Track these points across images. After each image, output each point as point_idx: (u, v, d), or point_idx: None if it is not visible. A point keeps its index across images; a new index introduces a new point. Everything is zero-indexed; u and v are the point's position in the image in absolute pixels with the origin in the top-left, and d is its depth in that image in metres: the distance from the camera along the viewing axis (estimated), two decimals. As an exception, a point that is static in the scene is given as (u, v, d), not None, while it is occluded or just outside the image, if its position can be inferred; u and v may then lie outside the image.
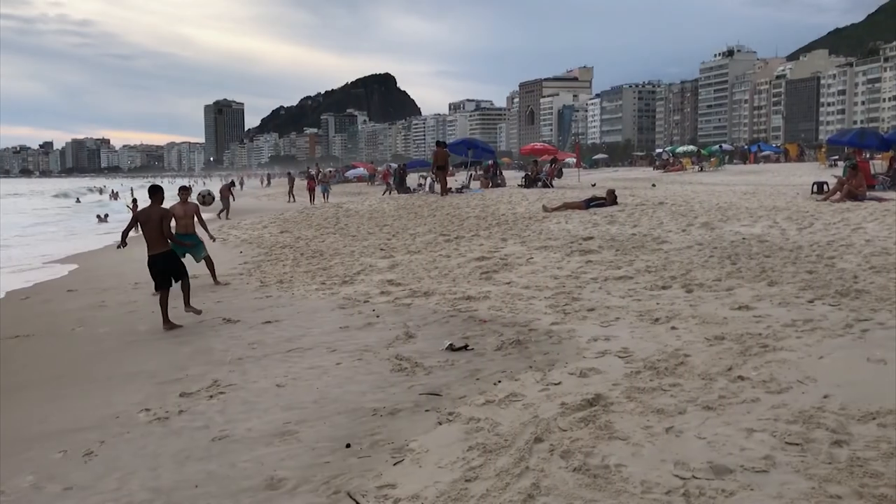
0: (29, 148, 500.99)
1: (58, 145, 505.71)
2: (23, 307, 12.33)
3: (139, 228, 9.94)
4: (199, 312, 9.84)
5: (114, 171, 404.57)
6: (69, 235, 29.97)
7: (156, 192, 9.91)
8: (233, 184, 35.98)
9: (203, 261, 12.77)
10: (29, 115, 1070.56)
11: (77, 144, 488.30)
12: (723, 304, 8.03)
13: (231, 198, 32.36)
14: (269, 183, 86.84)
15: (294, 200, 40.02)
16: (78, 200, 65.29)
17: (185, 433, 5.51)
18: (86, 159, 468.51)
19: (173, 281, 9.80)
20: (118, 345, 8.94)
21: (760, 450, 4.06)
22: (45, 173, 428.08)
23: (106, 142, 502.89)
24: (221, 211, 30.39)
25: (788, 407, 4.68)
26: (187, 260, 11.76)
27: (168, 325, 9.49)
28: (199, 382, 6.77)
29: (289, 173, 53.22)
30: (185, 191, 13.44)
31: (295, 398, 6.03)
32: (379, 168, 70.81)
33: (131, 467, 4.93)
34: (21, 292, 13.91)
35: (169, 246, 9.77)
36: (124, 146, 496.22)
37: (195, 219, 12.87)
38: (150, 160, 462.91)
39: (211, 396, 6.32)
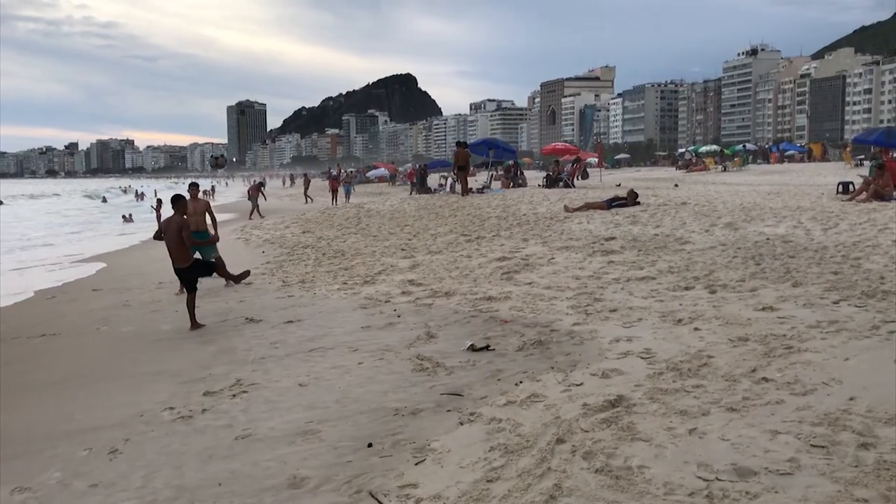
0: (55, 149, 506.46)
1: (83, 146, 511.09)
2: (49, 306, 12.50)
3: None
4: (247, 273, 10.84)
5: (138, 171, 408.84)
6: (95, 235, 30.33)
7: (177, 202, 9.89)
8: (262, 184, 36.20)
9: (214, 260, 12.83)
10: (54, 116, 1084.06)
11: (102, 145, 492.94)
12: (746, 304, 7.96)
13: (263, 197, 32.53)
14: (292, 183, 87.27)
15: (312, 201, 39.99)
16: (104, 200, 65.96)
17: (208, 432, 5.56)
18: (110, 160, 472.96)
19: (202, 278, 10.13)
20: (142, 344, 9.03)
21: (785, 452, 4.01)
22: (71, 174, 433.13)
23: (130, 142, 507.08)
24: (252, 211, 30.66)
25: (813, 409, 4.63)
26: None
27: (195, 325, 9.54)
28: (223, 381, 6.83)
29: (304, 175, 53.09)
30: (194, 187, 13.45)
31: (317, 397, 6.07)
32: (400, 168, 70.96)
33: (156, 465, 4.98)
34: (48, 291, 14.12)
35: (191, 260, 9.83)
36: (148, 147, 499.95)
37: (206, 216, 12.84)
38: (174, 161, 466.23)
39: (234, 395, 6.37)
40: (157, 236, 10.46)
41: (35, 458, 5.53)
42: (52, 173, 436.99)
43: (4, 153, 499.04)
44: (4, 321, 11.40)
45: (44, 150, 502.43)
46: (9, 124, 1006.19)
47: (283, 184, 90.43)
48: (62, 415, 6.63)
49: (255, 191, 32.45)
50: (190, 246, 9.96)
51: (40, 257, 22.19)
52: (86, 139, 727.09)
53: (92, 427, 6.07)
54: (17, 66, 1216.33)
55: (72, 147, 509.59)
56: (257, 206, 31.14)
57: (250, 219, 29.21)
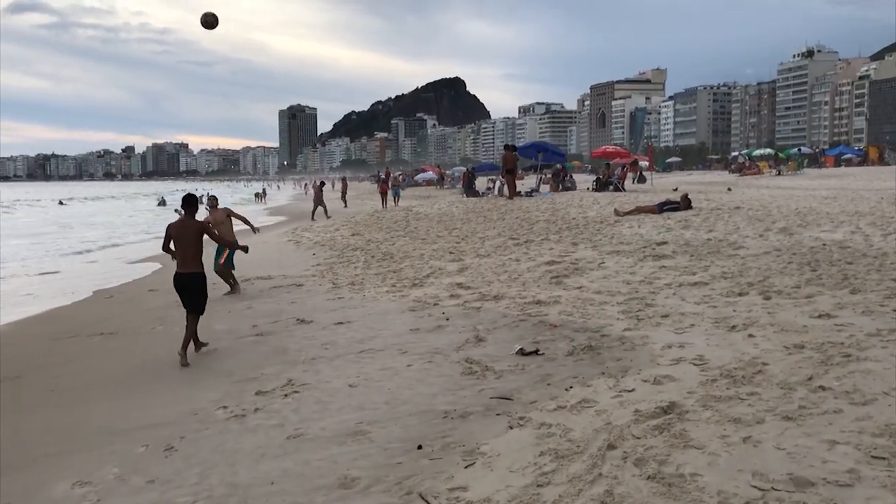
0: (112, 152, 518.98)
1: (139, 149, 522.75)
2: (107, 305, 12.82)
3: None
4: (186, 363, 8.17)
5: (192, 174, 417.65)
6: (152, 237, 30.97)
7: (190, 205, 8.72)
8: (323, 183, 36.68)
9: (224, 270, 12.41)
10: (112, 120, 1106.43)
11: (157, 149, 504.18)
12: (802, 311, 7.79)
13: (322, 197, 33.04)
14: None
15: (346, 206, 39.73)
16: (163, 202, 67.33)
17: (260, 431, 5.64)
18: (165, 163, 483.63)
19: (187, 310, 8.49)
20: (196, 343, 9.19)
21: (844, 463, 3.92)
22: (127, 176, 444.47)
23: (185, 146, 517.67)
24: (315, 210, 31.20)
25: (874, 419, 4.51)
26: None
27: (195, 348, 8.45)
28: (275, 381, 6.93)
29: (342, 178, 52.95)
30: (213, 200, 13.35)
31: (367, 398, 6.12)
32: (448, 172, 71.10)
33: (210, 463, 5.08)
34: (106, 291, 14.48)
35: (202, 268, 8.61)
36: (202, 150, 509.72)
37: (230, 224, 12.63)
38: (227, 164, 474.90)
39: (286, 395, 6.46)
40: (167, 246, 8.72)
41: (94, 453, 5.68)
42: (109, 176, 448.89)
43: (65, 156, 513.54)
44: (64, 320, 11.73)
45: (101, 153, 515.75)
46: (69, 128, 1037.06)
47: (332, 186, 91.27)
48: (119, 411, 6.79)
49: (320, 191, 33.06)
50: (220, 247, 9.33)
51: (99, 257, 22.81)
52: (142, 143, 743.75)
53: (148, 424, 6.22)
54: (78, 71, 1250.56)
55: (128, 150, 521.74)
56: (324, 206, 31.73)
57: (327, 216, 30.08)
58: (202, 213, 11.06)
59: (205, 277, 8.65)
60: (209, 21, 10.74)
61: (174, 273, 8.61)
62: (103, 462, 5.37)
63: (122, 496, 4.73)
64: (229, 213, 12.88)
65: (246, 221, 13.40)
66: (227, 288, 12.55)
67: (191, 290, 8.47)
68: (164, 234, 8.71)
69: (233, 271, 12.60)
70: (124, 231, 35.12)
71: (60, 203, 75.47)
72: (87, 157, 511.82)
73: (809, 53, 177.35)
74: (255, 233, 14.32)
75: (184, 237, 8.48)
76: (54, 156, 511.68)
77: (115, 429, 6.25)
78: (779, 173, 49.40)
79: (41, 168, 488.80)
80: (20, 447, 6.12)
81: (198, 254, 8.53)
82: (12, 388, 7.96)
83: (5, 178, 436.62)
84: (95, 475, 5.10)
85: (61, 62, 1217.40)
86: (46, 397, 7.56)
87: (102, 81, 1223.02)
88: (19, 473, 5.51)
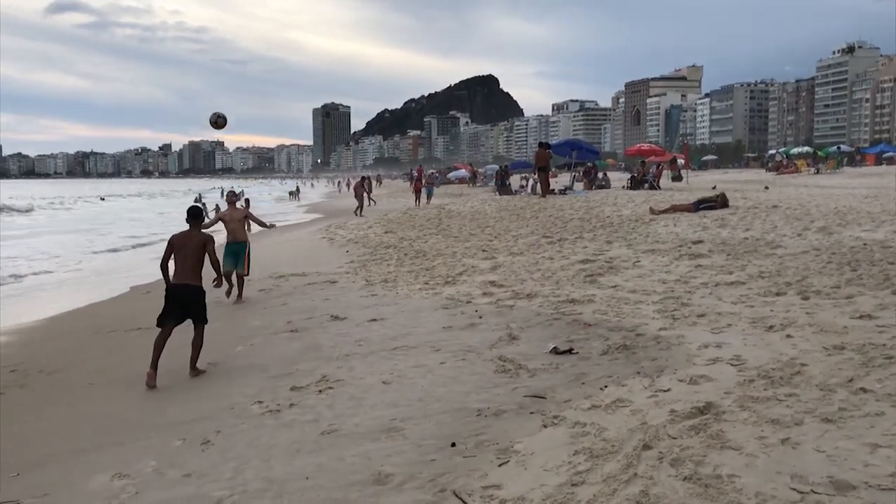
0: (149, 150, 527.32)
1: (176, 147, 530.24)
2: (145, 301, 12.97)
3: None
4: (201, 372, 7.95)
5: (227, 172, 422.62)
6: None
7: (195, 217, 8.41)
8: (363, 179, 36.75)
9: (236, 274, 12.01)
10: (149, 118, 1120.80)
11: (193, 146, 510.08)
12: (842, 312, 7.64)
13: (365, 195, 32.96)
14: (379, 184, 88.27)
15: (374, 203, 39.47)
16: (199, 199, 68.13)
17: (295, 426, 5.68)
18: (201, 160, 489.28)
19: (186, 318, 8.04)
20: (231, 339, 9.29)
21: (887, 467, 3.83)
22: (164, 174, 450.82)
23: (220, 144, 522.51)
24: (357, 209, 31.29)
25: (917, 423, 4.41)
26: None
27: (152, 373, 7.60)
28: (309, 377, 6.97)
29: (367, 177, 52.15)
30: (231, 195, 13.19)
31: (400, 395, 6.13)
32: (481, 169, 71.05)
33: (245, 457, 5.12)
34: (143, 287, 14.70)
35: (200, 282, 8.16)
36: (237, 148, 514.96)
37: (245, 223, 12.50)
38: (261, 162, 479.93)
39: (320, 391, 6.50)
40: (166, 263, 8.15)
41: (132, 447, 5.77)
42: (146, 173, 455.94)
43: (103, 154, 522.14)
44: (102, 315, 11.94)
45: (139, 151, 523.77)
46: (107, 126, 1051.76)
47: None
48: (157, 405, 6.90)
49: (361, 187, 33.15)
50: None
51: (137, 253, 23.18)
52: (178, 141, 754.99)
53: (185, 419, 6.31)
54: (117, 70, 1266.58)
55: (165, 148, 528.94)
56: (363, 203, 31.79)
57: (362, 215, 30.03)
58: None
59: (203, 292, 8.19)
60: (218, 123, 11.85)
61: (169, 284, 8.05)
62: (141, 455, 5.45)
63: (160, 489, 4.80)
64: (247, 215, 12.80)
65: (261, 223, 13.21)
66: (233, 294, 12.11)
67: (188, 302, 7.98)
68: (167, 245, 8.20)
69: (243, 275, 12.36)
70: (162, 227, 35.60)
71: (101, 199, 77.02)
72: (125, 154, 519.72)
73: (850, 50, 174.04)
74: (270, 228, 14.14)
75: (186, 248, 8.06)
76: (93, 153, 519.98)
77: (153, 423, 6.35)
78: (817, 172, 48.61)
79: (80, 165, 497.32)
80: (59, 440, 6.25)
81: (198, 267, 8.08)
82: (52, 382, 8.13)
83: (46, 175, 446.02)
84: (133, 468, 5.18)
85: (100, 61, 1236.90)
86: (86, 391, 7.70)
87: (140, 80, 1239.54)
88: (59, 465, 5.63)
